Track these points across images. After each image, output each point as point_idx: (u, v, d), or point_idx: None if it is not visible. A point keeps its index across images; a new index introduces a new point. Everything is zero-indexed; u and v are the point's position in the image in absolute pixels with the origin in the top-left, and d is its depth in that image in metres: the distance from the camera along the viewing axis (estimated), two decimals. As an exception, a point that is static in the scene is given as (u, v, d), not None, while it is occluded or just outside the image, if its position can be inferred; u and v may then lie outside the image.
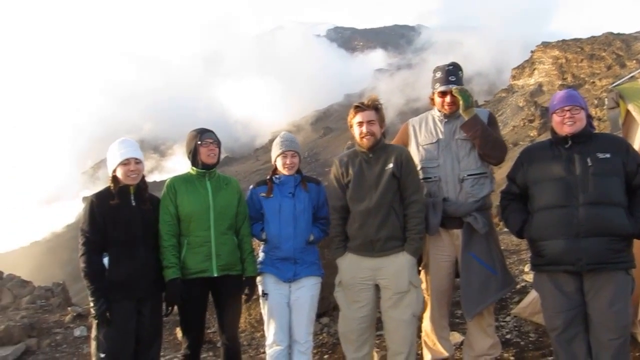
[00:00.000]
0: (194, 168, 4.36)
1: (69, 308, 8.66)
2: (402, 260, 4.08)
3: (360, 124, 4.17)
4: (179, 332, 6.56)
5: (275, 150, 4.48)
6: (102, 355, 3.97)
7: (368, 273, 4.16)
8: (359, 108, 4.20)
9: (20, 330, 7.32)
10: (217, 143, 4.38)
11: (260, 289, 4.38)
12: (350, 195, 4.22)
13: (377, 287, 4.21)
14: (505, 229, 6.15)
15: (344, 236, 4.29)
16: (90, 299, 3.97)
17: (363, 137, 4.16)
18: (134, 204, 4.14)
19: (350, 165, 4.24)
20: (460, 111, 4.23)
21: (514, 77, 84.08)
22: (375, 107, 4.21)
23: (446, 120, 4.36)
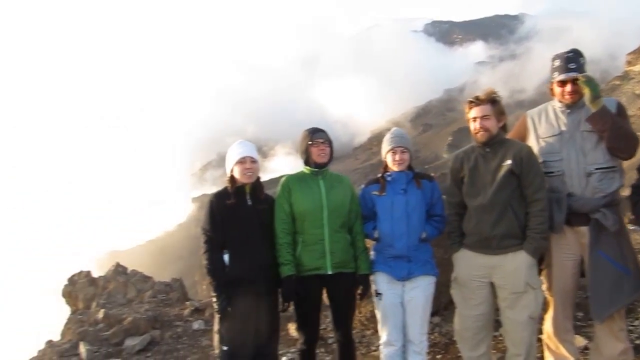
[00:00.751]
0: (307, 167, 4.44)
1: (187, 302, 9.17)
2: (519, 260, 3.93)
3: (475, 119, 4.06)
4: (290, 328, 6.72)
5: (385, 147, 4.45)
6: (225, 348, 4.15)
7: (483, 271, 4.05)
8: (473, 103, 4.09)
9: (145, 322, 7.86)
10: (329, 142, 4.42)
11: (373, 288, 4.38)
12: (465, 191, 4.14)
13: (493, 285, 4.07)
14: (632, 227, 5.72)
15: (460, 232, 4.21)
16: (213, 294, 4.16)
17: (477, 133, 4.06)
18: (250, 203, 4.29)
19: (465, 160, 4.15)
20: (587, 103, 3.95)
21: (629, 63, 77.77)
22: (491, 100, 4.07)
23: (569, 110, 4.10)
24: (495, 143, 4.04)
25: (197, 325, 7.99)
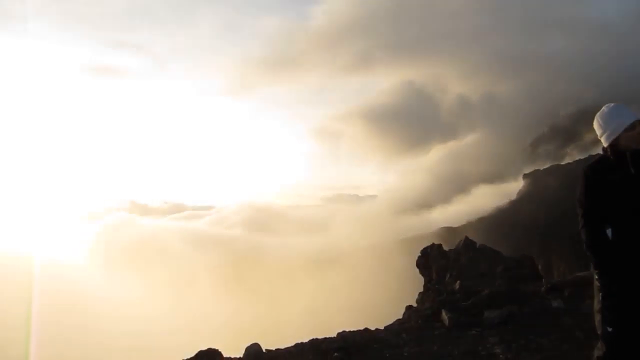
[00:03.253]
0: None
1: (542, 280, 8.97)
2: None
3: None
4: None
5: None
6: (609, 329, 3.92)
7: None
8: None
9: (501, 296, 7.99)
10: None
11: None
12: None
13: None
14: None
15: None
16: (594, 271, 3.99)
17: None
18: (633, 171, 3.92)
19: None
20: None
21: None
22: None
23: None
24: None
25: (556, 303, 7.76)
